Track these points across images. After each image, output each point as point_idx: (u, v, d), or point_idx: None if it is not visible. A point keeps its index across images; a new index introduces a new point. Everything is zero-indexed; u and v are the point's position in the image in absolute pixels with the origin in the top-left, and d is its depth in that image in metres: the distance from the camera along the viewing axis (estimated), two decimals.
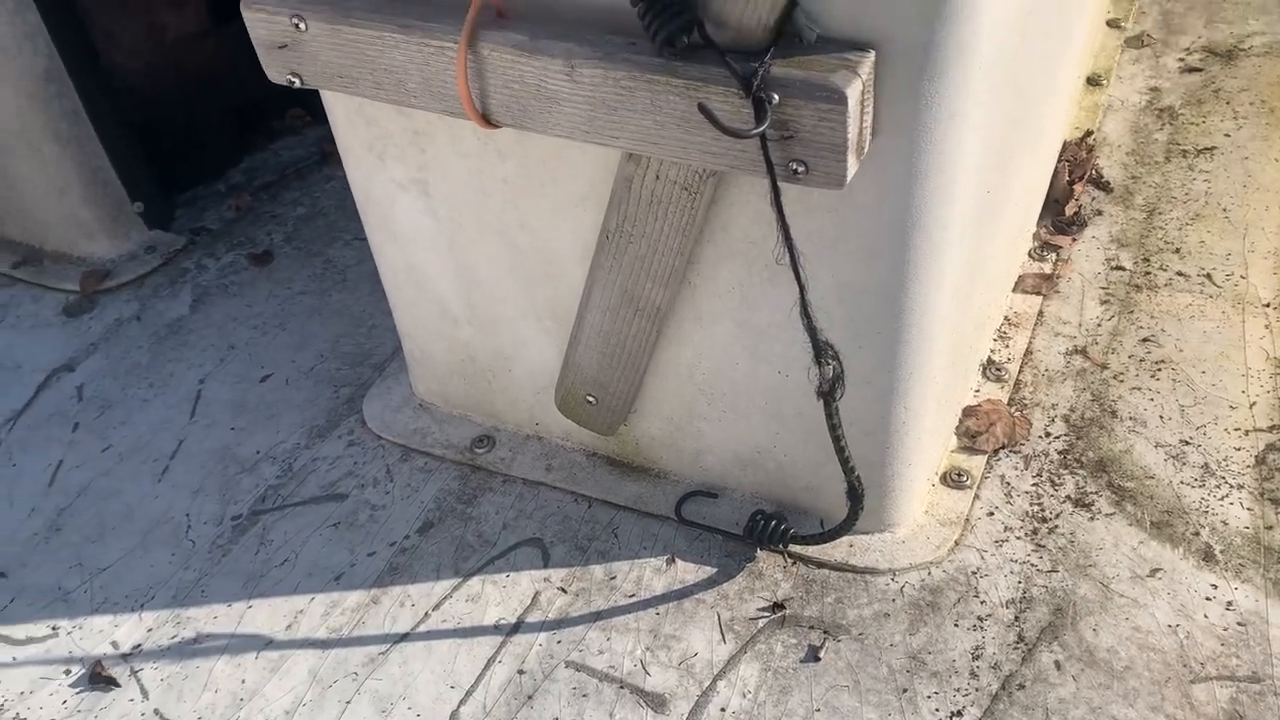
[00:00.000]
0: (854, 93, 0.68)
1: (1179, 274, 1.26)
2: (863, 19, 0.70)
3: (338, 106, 0.97)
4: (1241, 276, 1.24)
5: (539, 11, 0.79)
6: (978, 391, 1.14)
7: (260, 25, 0.86)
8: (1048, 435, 1.09)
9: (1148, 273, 1.27)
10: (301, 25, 0.84)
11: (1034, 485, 1.04)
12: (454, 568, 1.05)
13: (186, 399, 1.29)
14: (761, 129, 0.68)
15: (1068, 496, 1.03)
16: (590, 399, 1.04)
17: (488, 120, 0.82)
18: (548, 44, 0.75)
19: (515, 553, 1.05)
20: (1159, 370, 1.15)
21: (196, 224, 1.56)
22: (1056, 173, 1.35)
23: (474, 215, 0.98)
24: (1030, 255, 1.31)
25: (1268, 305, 1.20)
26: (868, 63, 0.70)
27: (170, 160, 1.55)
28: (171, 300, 1.44)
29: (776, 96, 0.69)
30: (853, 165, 0.72)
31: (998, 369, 1.17)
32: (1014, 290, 1.26)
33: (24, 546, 1.14)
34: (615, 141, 0.78)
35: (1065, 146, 1.40)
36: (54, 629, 1.04)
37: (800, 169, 0.72)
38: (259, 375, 1.31)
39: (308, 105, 1.74)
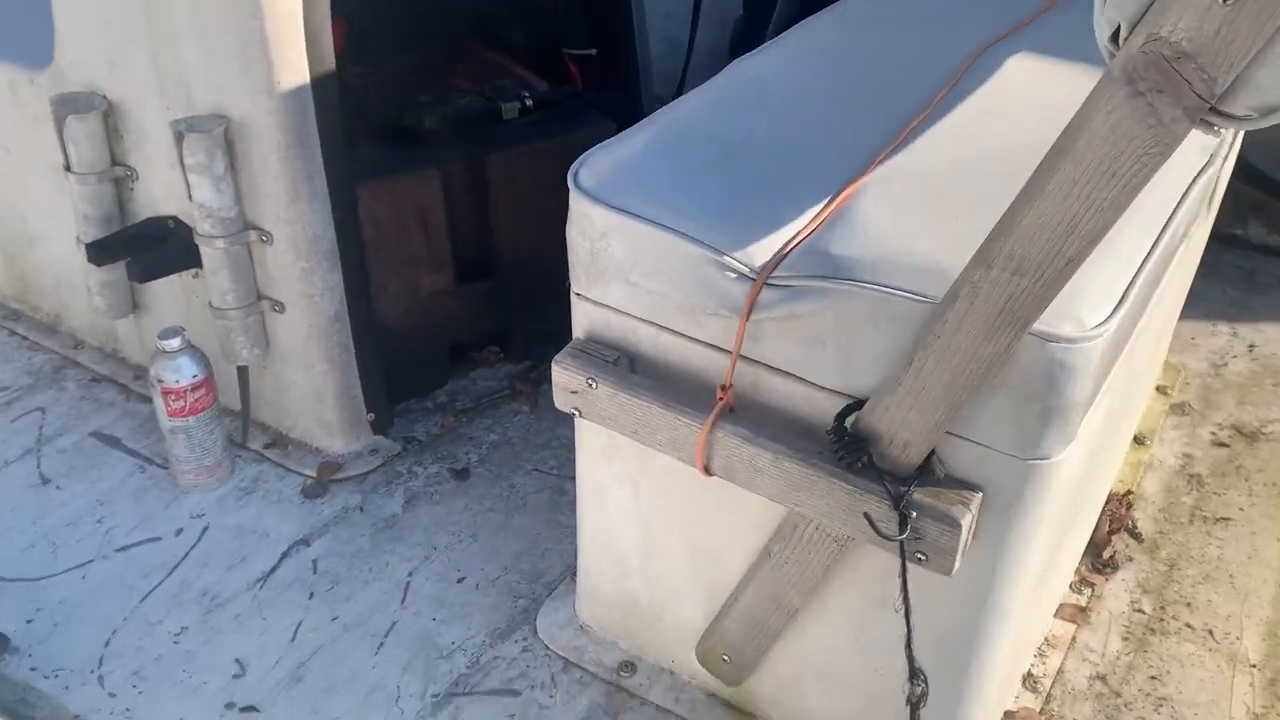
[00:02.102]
0: (965, 521, 1.05)
1: (1187, 625, 1.59)
2: (975, 470, 1.08)
3: (588, 425, 1.36)
4: (1236, 638, 1.57)
5: (759, 411, 1.18)
6: (1017, 698, 1.47)
7: (563, 375, 1.26)
8: None
9: (1162, 619, 1.60)
10: (594, 384, 1.23)
11: None
12: None
13: (398, 587, 1.65)
14: (903, 536, 1.05)
15: None
16: (725, 658, 1.38)
17: (708, 471, 1.20)
18: (764, 441, 1.14)
19: None
20: (1161, 706, 1.47)
21: (408, 434, 1.96)
22: (1099, 523, 1.70)
23: (669, 513, 1.35)
24: (1070, 587, 1.65)
25: (1254, 666, 1.52)
26: (976, 500, 1.07)
27: (394, 379, 1.95)
28: (387, 498, 1.82)
29: (915, 513, 1.06)
30: (958, 563, 1.08)
31: (1034, 682, 1.49)
32: (1054, 615, 1.60)
33: (273, 689, 1.49)
34: (796, 507, 1.15)
35: (1109, 499, 1.76)
36: None
37: (923, 558, 1.08)
38: (455, 576, 1.67)
39: (501, 344, 2.16)
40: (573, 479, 1.85)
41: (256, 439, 1.93)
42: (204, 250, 1.71)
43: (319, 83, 1.62)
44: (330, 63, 1.63)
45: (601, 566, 1.50)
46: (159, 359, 1.70)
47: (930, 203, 1.17)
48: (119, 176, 1.85)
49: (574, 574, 1.65)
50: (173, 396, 1.70)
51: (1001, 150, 1.27)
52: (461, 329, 2.05)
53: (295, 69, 1.59)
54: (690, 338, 1.21)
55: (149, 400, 2.01)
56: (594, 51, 2.29)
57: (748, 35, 2.99)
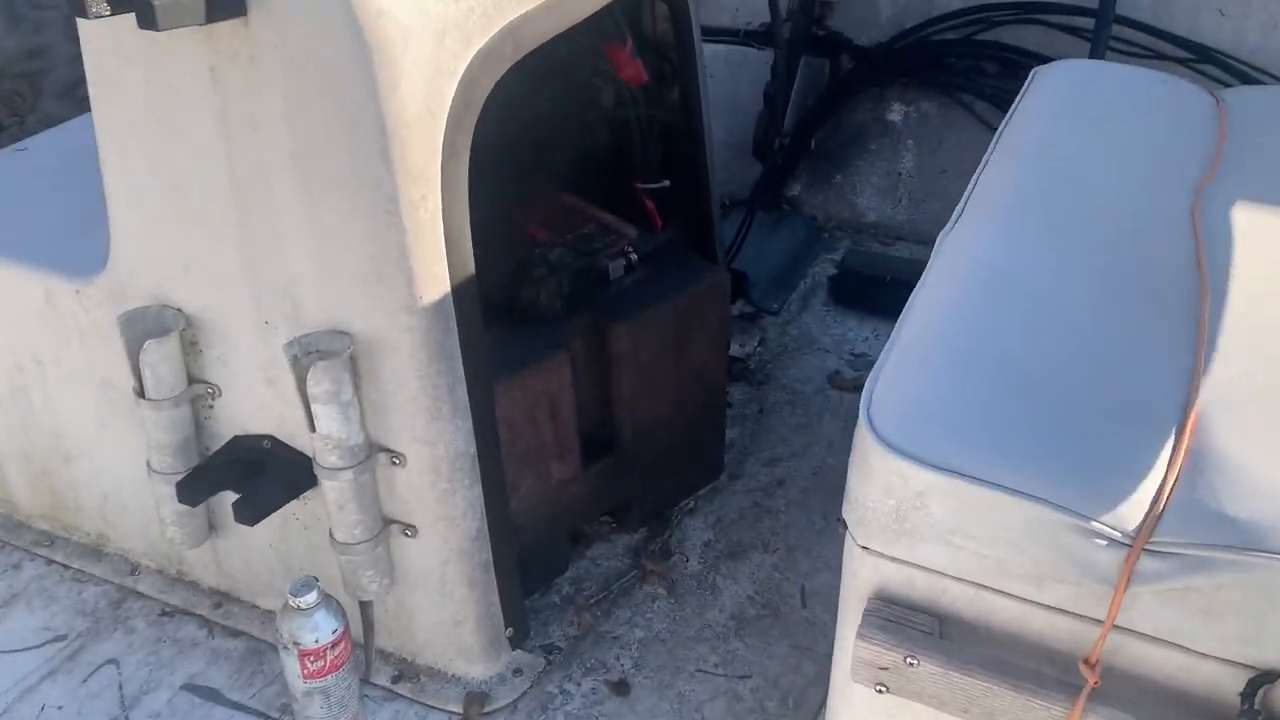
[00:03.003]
0: None
1: None
2: None
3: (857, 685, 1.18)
4: None
5: (1120, 679, 1.03)
6: None
7: (870, 652, 1.09)
8: None
9: None
10: (913, 662, 1.07)
11: None
12: None
13: None
14: None
15: None
16: None
17: None
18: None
19: None
20: None
21: (545, 640, 1.75)
22: None
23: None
24: None
25: None
26: None
27: (521, 575, 1.75)
28: None
29: None
30: None
31: None
32: None
33: None
34: None
35: None
36: None
37: None
38: None
39: (614, 514, 1.97)
40: (742, 678, 1.69)
41: (380, 671, 1.69)
42: (328, 484, 1.49)
43: (460, 291, 1.42)
44: (471, 268, 1.43)
45: None
46: (292, 617, 1.46)
47: None
48: (197, 395, 1.61)
49: None
50: (311, 658, 1.47)
51: None
52: (585, 512, 1.86)
53: (437, 280, 1.39)
54: (1027, 601, 1.06)
55: (236, 634, 1.77)
56: (668, 183, 2.12)
57: (769, 131, 2.92)
